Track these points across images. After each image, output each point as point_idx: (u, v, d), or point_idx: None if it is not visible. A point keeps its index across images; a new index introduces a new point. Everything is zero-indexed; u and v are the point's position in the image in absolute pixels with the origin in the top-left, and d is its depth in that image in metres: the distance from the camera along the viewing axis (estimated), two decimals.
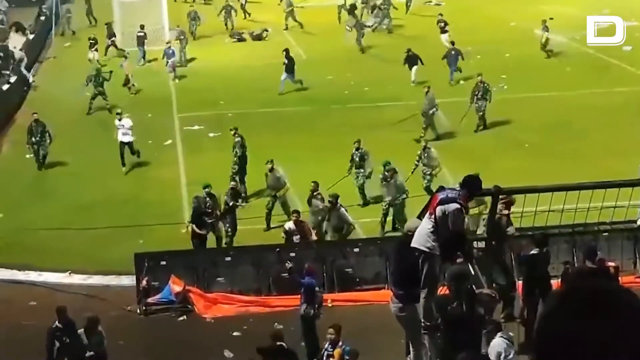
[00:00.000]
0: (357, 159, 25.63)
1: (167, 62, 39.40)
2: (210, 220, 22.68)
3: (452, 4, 50.70)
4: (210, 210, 22.86)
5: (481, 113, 30.77)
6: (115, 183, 27.48)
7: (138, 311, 20.69)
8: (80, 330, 16.40)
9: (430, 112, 30.39)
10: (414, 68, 36.35)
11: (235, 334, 19.49)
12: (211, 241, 23.07)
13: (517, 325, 15.48)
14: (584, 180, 17.89)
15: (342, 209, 22.69)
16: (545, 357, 2.34)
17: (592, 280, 2.65)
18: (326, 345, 15.91)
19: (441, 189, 12.23)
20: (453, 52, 36.95)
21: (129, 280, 21.78)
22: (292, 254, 20.91)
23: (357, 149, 25.77)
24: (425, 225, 11.49)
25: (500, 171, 23.11)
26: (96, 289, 21.98)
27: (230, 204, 23.33)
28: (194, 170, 27.15)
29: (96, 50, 40.59)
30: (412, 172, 25.24)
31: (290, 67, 36.30)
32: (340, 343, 15.75)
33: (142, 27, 42.94)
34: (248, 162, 26.36)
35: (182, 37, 42.77)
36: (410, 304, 12.29)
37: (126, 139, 28.74)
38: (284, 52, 36.98)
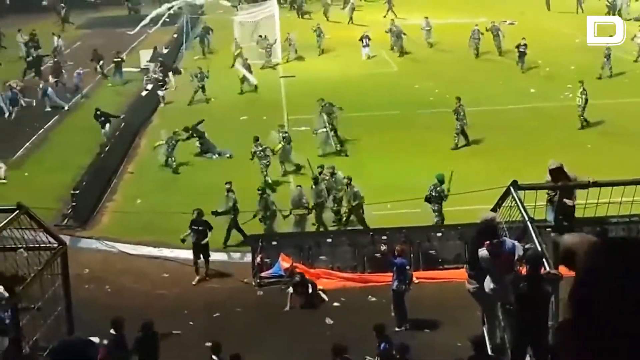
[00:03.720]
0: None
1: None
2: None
3: (524, 23, 49.97)
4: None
5: (459, 129, 29.65)
6: (233, 173, 27.72)
7: (253, 283, 20.91)
8: None
9: (320, 131, 30.02)
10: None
11: (335, 304, 19.57)
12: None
13: None
14: None
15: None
16: (582, 312, 2.17)
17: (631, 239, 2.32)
18: None
19: None
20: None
21: (245, 257, 22.08)
22: (384, 237, 20.92)
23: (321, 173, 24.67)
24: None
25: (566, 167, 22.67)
26: (218, 264, 22.24)
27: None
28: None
29: (165, 89, 38.74)
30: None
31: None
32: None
33: (118, 53, 42.51)
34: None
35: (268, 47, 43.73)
36: (482, 283, 12.18)
37: None
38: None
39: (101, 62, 42.62)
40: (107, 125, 31.81)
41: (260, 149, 27.20)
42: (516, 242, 11.52)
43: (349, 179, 23.50)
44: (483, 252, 11.45)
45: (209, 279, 21.35)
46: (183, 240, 21.71)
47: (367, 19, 52.89)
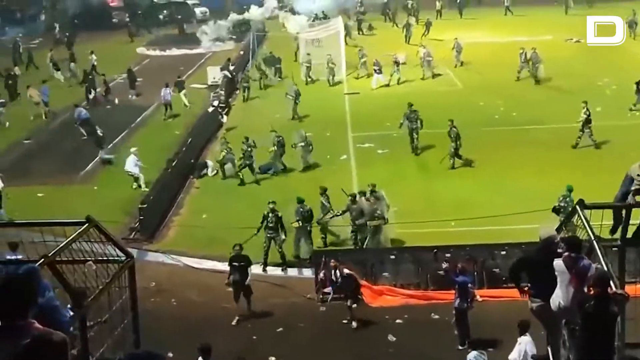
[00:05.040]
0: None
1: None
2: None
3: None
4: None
5: (452, 150, 29.36)
6: (299, 188, 27.78)
7: (316, 299, 20.90)
8: None
9: (299, 145, 30.19)
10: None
11: (397, 321, 19.46)
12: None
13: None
14: None
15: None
16: None
17: None
18: None
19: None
20: None
21: (308, 273, 22.11)
22: (448, 255, 20.74)
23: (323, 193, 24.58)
24: None
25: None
26: (282, 279, 22.33)
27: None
28: (364, 181, 27.15)
29: (226, 114, 38.41)
30: None
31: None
32: None
33: (179, 76, 42.67)
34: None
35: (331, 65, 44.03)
36: (545, 301, 11.97)
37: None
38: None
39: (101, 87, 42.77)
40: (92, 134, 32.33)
41: (249, 149, 28.91)
42: (592, 264, 11.28)
43: (372, 192, 23.40)
44: (559, 262, 11.27)
45: (248, 319, 20.03)
46: (228, 284, 20.21)
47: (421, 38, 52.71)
